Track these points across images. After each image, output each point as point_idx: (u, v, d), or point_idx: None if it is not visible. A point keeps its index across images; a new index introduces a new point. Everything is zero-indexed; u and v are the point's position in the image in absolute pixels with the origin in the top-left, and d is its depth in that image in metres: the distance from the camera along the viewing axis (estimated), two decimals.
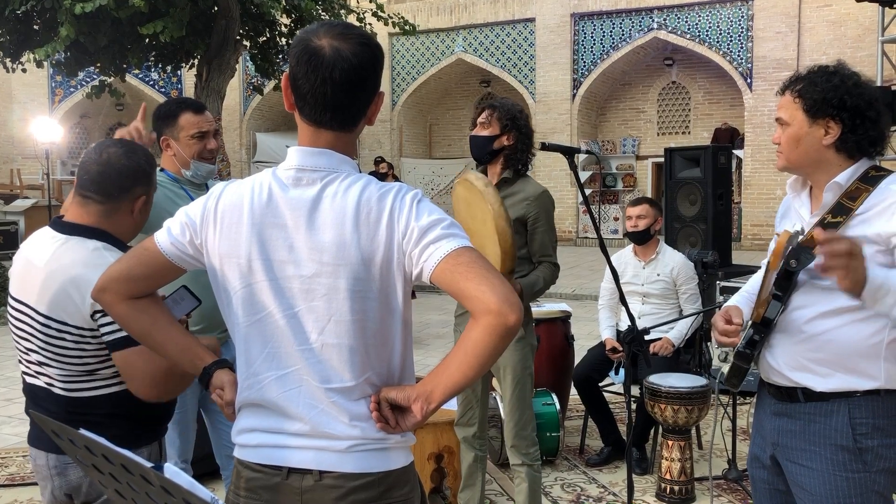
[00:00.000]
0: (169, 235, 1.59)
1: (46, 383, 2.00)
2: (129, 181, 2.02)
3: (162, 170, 2.95)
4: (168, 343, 1.67)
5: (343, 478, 1.49)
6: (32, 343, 1.97)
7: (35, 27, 11.25)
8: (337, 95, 1.48)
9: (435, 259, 1.43)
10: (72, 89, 19.94)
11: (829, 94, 1.91)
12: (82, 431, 1.09)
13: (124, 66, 12.02)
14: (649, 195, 16.88)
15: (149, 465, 0.98)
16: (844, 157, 1.95)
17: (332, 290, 1.48)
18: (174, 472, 0.98)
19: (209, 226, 1.55)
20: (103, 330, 1.90)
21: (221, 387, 1.65)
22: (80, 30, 9.91)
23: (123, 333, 1.87)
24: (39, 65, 10.94)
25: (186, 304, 1.97)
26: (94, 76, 14.35)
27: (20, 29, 11.25)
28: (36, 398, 2.02)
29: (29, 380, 2.04)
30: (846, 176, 1.93)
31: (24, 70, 12.08)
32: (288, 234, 1.50)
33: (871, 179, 1.91)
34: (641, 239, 4.52)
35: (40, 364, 1.98)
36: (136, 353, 1.88)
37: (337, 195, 1.49)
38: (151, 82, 19.75)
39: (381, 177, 12.71)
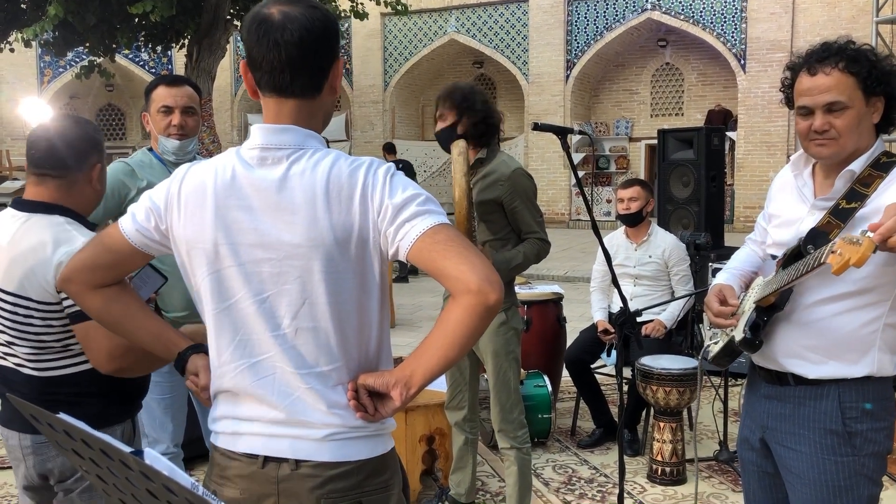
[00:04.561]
0: (134, 222, 1.55)
1: (16, 364, 1.98)
2: (82, 149, 2.00)
3: (150, 150, 2.92)
4: (140, 331, 1.64)
5: (320, 466, 1.46)
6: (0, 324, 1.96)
7: (23, 6, 11.13)
8: (292, 56, 1.43)
9: (411, 238, 1.39)
10: (61, 70, 19.75)
11: (880, 71, 1.81)
12: (61, 416, 1.07)
13: (113, 46, 11.90)
14: (642, 177, 16.88)
15: (128, 450, 0.96)
16: (874, 137, 1.88)
17: (306, 273, 1.43)
18: (154, 457, 0.96)
19: (173, 211, 1.50)
20: (66, 303, 1.89)
21: (196, 372, 1.62)
22: (69, 9, 9.80)
23: None
24: (27, 44, 10.84)
25: (153, 282, 1.94)
26: (84, 56, 14.21)
27: (7, 8, 11.13)
28: (5, 380, 2.02)
29: None
30: (860, 163, 1.87)
31: (11, 50, 11.97)
32: (255, 216, 1.44)
33: (883, 166, 1.85)
34: (633, 221, 4.50)
35: (9, 345, 1.97)
36: (94, 327, 1.84)
37: (305, 173, 1.43)
38: (141, 63, 19.59)
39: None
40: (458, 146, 2.81)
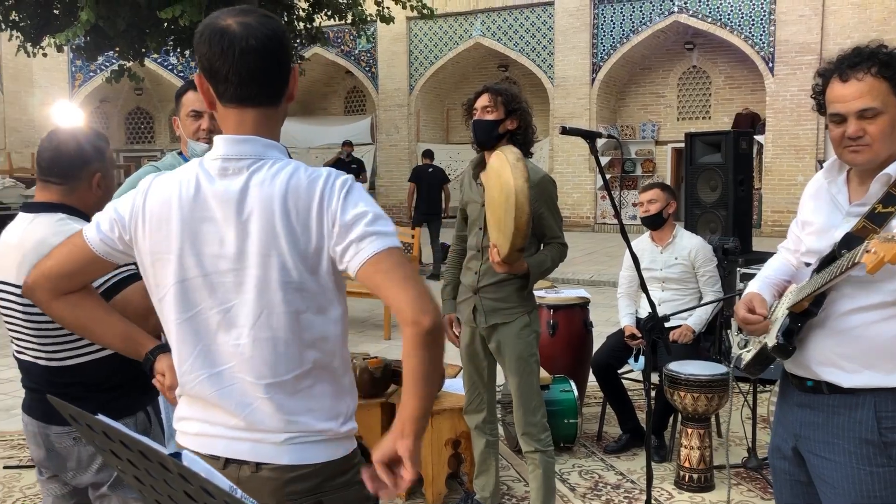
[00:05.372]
0: (98, 231, 1.57)
1: (33, 357, 2.10)
2: (80, 161, 2.14)
3: (179, 153, 2.97)
4: (107, 334, 1.71)
5: (280, 470, 1.49)
6: (16, 319, 2.09)
7: (55, 11, 11.32)
8: (258, 65, 1.46)
9: (357, 262, 1.42)
10: (91, 74, 20.03)
11: None
12: (100, 417, 1.09)
13: (143, 50, 12.06)
14: (669, 181, 16.76)
15: (167, 452, 0.97)
16: None
17: (263, 282, 1.45)
18: (192, 459, 0.97)
19: (138, 223, 1.53)
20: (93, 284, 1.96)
21: (163, 372, 1.67)
22: (100, 14, 9.95)
23: (107, 285, 1.97)
24: (60, 49, 11.01)
25: None
26: (114, 60, 14.40)
27: (41, 13, 11.34)
28: (28, 373, 2.15)
29: (18, 356, 2.17)
30: None
31: (44, 55, 12.17)
32: (218, 227, 1.46)
33: None
34: (655, 223, 4.48)
35: (25, 339, 2.09)
36: (128, 296, 1.96)
37: (264, 183, 1.45)
38: (170, 67, 19.80)
39: (342, 161, 12.89)
40: (515, 152, 2.85)
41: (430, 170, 11.64)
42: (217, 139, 1.51)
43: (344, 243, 1.43)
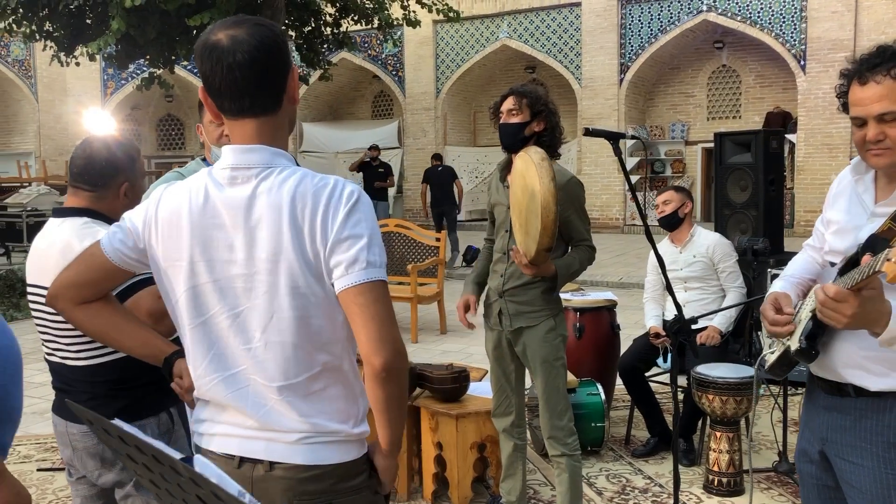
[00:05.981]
0: (114, 241, 1.62)
1: (62, 358, 2.16)
2: (110, 171, 2.21)
3: (203, 160, 2.99)
4: (127, 340, 1.75)
5: (293, 469, 1.52)
6: (45, 321, 2.15)
7: (87, 21, 11.52)
8: (247, 77, 1.47)
9: (340, 285, 1.46)
10: (123, 82, 20.35)
11: None
12: (116, 422, 1.10)
13: (173, 57, 12.22)
14: (699, 181, 16.62)
15: (178, 456, 0.98)
16: None
17: (272, 287, 1.47)
18: (203, 463, 0.98)
19: (151, 231, 1.57)
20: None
21: (181, 375, 1.71)
22: (131, 23, 10.10)
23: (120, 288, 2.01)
24: (92, 58, 11.22)
25: None
26: (144, 68, 14.63)
27: (73, 23, 11.55)
28: (57, 374, 2.22)
29: (48, 358, 2.22)
30: None
31: (77, 64, 12.39)
32: (227, 233, 1.50)
33: None
34: (671, 223, 4.48)
35: (53, 340, 2.15)
36: (141, 297, 2.03)
37: (272, 190, 1.48)
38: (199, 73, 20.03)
39: (369, 165, 13.19)
40: (539, 152, 2.85)
41: (440, 169, 12.16)
42: (225, 149, 1.54)
43: (334, 259, 1.46)
